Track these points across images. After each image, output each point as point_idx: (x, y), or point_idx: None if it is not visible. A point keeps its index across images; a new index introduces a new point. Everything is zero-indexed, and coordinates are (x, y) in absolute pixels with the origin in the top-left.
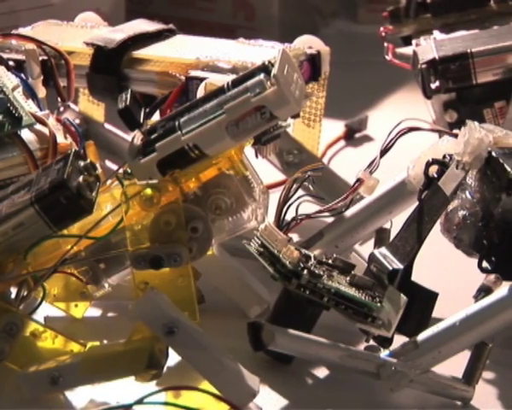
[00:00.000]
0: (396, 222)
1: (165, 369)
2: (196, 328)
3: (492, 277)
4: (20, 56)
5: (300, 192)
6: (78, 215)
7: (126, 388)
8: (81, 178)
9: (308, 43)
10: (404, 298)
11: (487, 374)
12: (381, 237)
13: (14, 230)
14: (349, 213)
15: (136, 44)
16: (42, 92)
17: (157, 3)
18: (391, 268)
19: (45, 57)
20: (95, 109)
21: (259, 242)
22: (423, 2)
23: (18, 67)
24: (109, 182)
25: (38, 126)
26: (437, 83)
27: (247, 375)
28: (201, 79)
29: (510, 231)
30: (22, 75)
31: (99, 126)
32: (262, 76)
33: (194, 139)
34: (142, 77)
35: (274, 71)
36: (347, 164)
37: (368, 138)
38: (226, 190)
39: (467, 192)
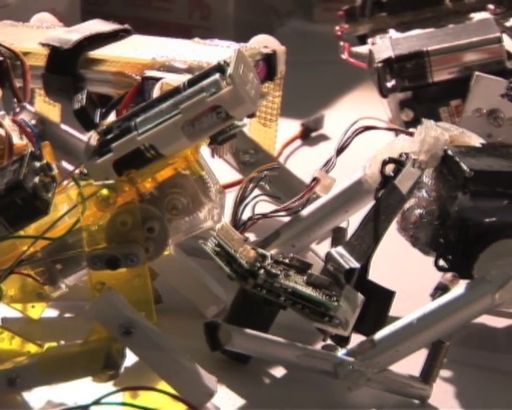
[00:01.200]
0: (352, 221)
1: (122, 369)
2: (153, 328)
3: (449, 275)
4: None
5: (257, 192)
6: (34, 216)
7: (84, 388)
8: (37, 179)
9: (264, 42)
10: (361, 297)
11: (445, 372)
12: (337, 236)
13: None
14: (305, 212)
15: (92, 45)
16: None
17: (113, 3)
18: (348, 267)
19: (1, 58)
20: (51, 110)
21: (216, 241)
22: (379, 1)
23: None
24: (66, 182)
25: None
26: (393, 82)
27: (205, 375)
28: (157, 79)
29: (466, 230)
30: None
31: (55, 127)
32: (217, 76)
33: (150, 139)
34: (97, 77)
35: (229, 70)
36: (304, 163)
37: (324, 137)
38: (182, 190)
39: (423, 191)
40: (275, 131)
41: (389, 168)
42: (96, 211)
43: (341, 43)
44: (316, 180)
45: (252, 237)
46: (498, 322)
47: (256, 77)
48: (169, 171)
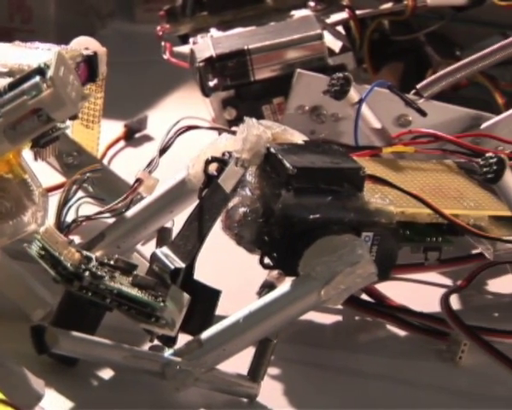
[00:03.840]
0: (177, 221)
1: None
2: None
3: (275, 273)
4: None
5: (80, 194)
6: None
7: None
8: None
9: (84, 44)
10: (187, 297)
11: (273, 370)
12: (162, 237)
13: None
14: (130, 213)
15: None
16: None
17: None
18: (173, 267)
19: None
20: None
21: (40, 244)
22: (200, 1)
23: None
24: None
25: None
26: (215, 81)
27: (32, 378)
28: None
29: (291, 227)
30: None
31: None
32: (38, 78)
33: None
34: None
35: (50, 73)
36: (128, 164)
37: (148, 138)
38: (5, 193)
39: (247, 189)
40: (97, 133)
41: (212, 167)
42: None
43: (163, 43)
44: (139, 181)
45: (76, 239)
46: (325, 318)
47: (77, 79)
48: None
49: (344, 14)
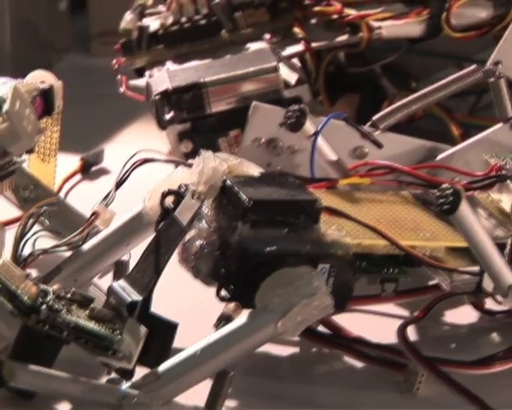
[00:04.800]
0: (134, 254)
1: None
2: None
3: (232, 305)
4: None
5: (37, 227)
6: None
7: None
8: None
9: (40, 77)
10: (143, 329)
11: (230, 402)
12: (119, 270)
13: None
14: (86, 246)
15: None
16: None
17: None
18: (130, 300)
19: None
20: None
21: None
22: (155, 34)
23: None
24: None
25: None
26: (171, 113)
27: None
28: None
29: (247, 259)
30: None
31: None
32: None
33: None
34: None
35: (5, 107)
36: (84, 198)
37: (105, 171)
38: None
39: (203, 221)
40: (54, 166)
41: (169, 200)
42: None
43: (119, 77)
44: (95, 214)
45: (33, 272)
46: (282, 350)
47: (33, 112)
48: None
49: (299, 47)
